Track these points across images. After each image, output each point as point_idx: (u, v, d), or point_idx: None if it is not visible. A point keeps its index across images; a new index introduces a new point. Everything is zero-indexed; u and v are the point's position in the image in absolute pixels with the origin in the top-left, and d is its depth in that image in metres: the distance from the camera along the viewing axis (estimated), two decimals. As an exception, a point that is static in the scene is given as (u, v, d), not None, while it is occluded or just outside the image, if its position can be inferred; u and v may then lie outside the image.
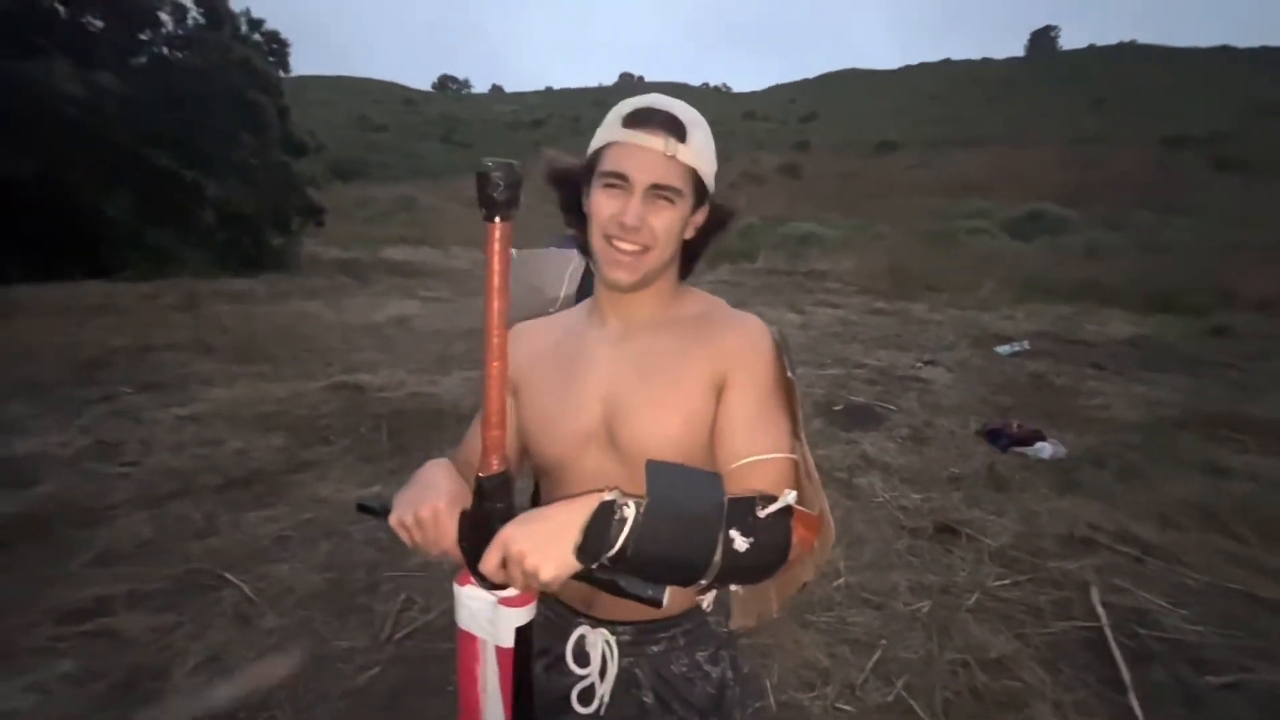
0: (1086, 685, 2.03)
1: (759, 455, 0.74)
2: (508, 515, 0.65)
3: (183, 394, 4.53)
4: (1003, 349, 7.25)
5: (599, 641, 0.86)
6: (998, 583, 2.60)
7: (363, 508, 0.81)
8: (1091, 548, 2.90)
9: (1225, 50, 58.53)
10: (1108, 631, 2.26)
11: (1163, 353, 7.65)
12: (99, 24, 11.46)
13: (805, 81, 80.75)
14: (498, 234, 0.57)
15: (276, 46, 15.59)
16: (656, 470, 0.64)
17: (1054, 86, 52.56)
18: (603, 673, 0.86)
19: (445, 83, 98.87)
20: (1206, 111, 35.12)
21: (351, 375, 4.96)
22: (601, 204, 0.77)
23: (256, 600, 2.36)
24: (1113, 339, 8.45)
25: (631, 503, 0.61)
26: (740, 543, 0.62)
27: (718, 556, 0.62)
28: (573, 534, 0.61)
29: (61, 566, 2.50)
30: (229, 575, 2.49)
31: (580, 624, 0.88)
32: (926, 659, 2.11)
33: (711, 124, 0.85)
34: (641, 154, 0.75)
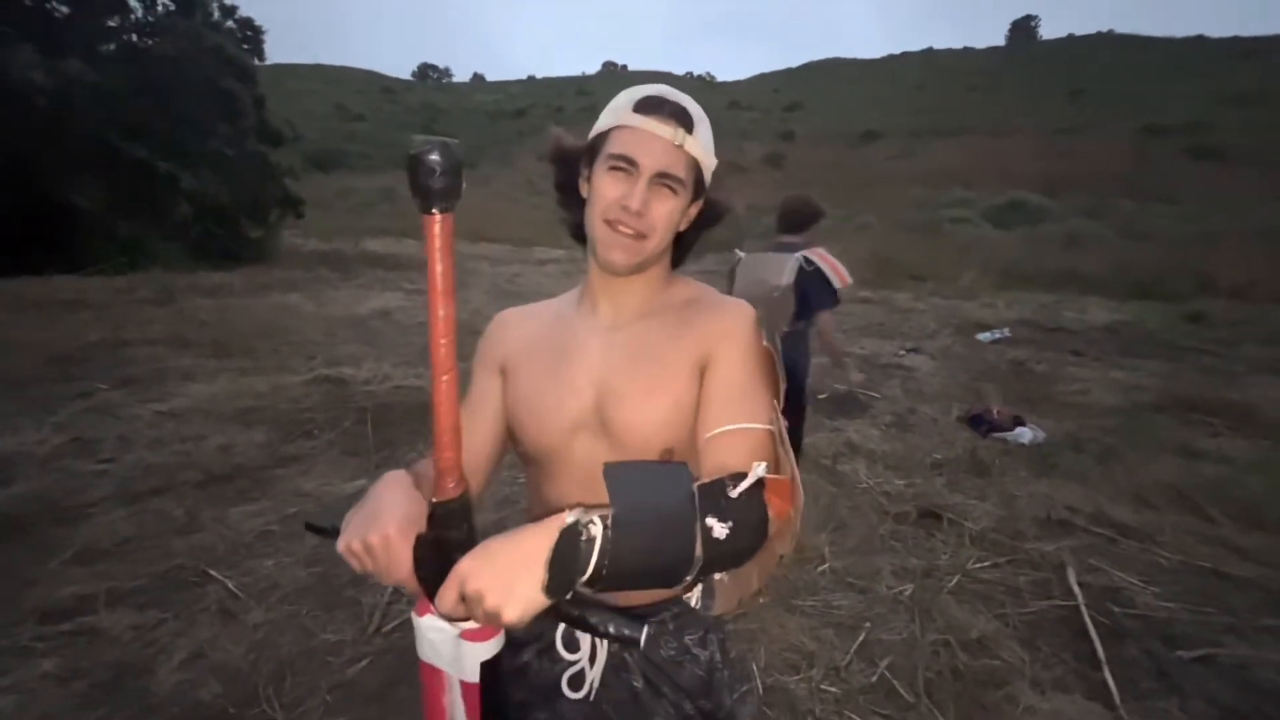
0: (1063, 662, 2.08)
1: (734, 425, 0.74)
2: (468, 543, 0.58)
3: (160, 389, 4.45)
4: (984, 336, 7.36)
5: None
6: (978, 565, 2.65)
7: (312, 528, 0.73)
8: (1069, 529, 2.97)
9: (1200, 40, 59.40)
10: (1084, 610, 2.32)
11: (1140, 339, 7.81)
12: (65, 10, 11.10)
13: (789, 71, 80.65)
14: (438, 228, 0.49)
15: (250, 34, 15.22)
16: (615, 475, 0.59)
17: (1034, 76, 53.02)
18: (592, 658, 0.87)
19: (426, 72, 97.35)
20: (1182, 101, 35.66)
21: (334, 369, 4.90)
22: (606, 186, 0.77)
23: (241, 595, 2.34)
24: (1092, 326, 8.61)
25: (596, 518, 0.56)
26: (719, 530, 0.60)
27: (698, 550, 0.59)
28: (537, 569, 0.54)
29: (40, 566, 2.46)
30: (213, 571, 2.46)
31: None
32: (909, 640, 2.15)
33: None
34: (651, 140, 0.76)
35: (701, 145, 0.78)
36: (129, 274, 8.71)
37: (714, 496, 0.62)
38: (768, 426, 0.75)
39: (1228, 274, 11.99)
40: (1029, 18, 77.35)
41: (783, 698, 1.93)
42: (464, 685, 0.63)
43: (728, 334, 0.80)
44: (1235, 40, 56.42)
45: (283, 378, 4.73)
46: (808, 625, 2.26)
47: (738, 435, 0.74)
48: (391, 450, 3.65)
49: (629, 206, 0.75)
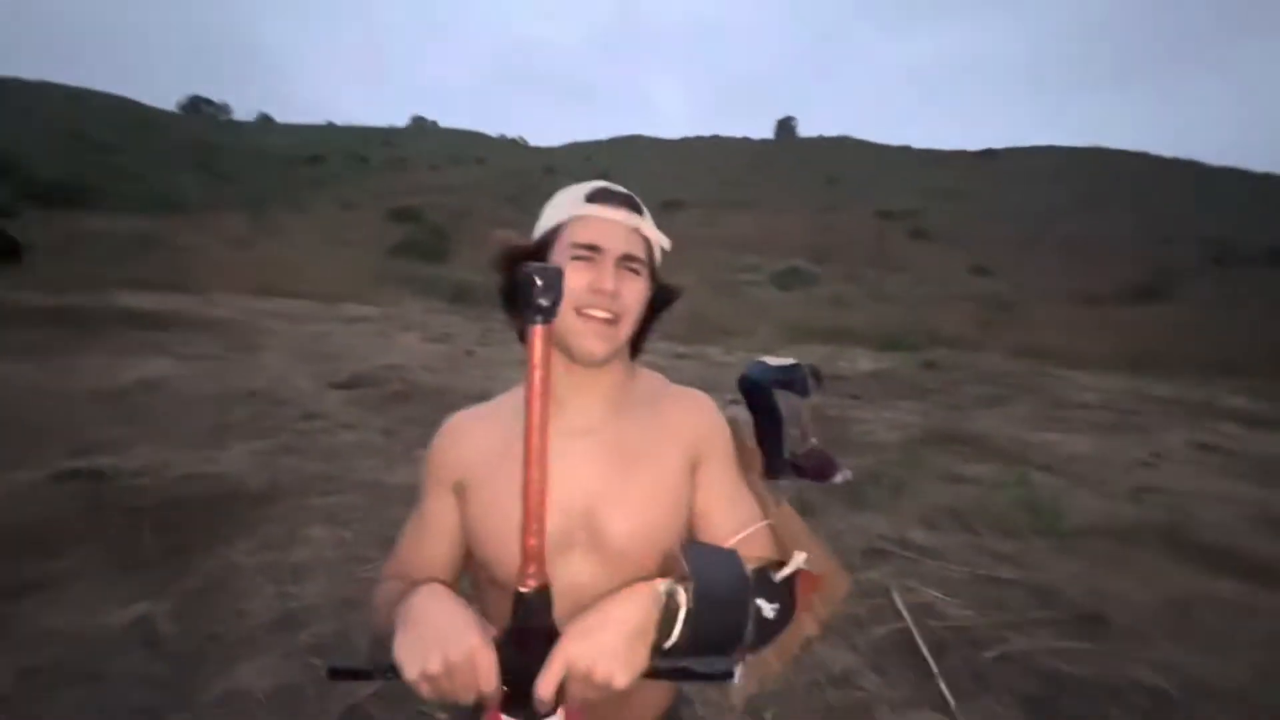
0: (907, 680, 2.39)
1: (745, 529, 0.80)
2: (554, 632, 0.60)
3: None
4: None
5: None
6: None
7: (339, 672, 0.63)
8: (885, 556, 3.45)
9: (906, 149, 76.85)
10: (913, 630, 2.69)
11: (897, 382, 9.51)
12: None
13: (599, 142, 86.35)
14: (539, 340, 0.59)
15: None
16: (697, 552, 0.68)
17: (797, 165, 63.60)
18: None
19: (198, 104, 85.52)
20: (899, 194, 45.47)
21: (88, 459, 3.89)
22: (572, 276, 0.74)
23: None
24: (861, 373, 10.27)
25: (680, 590, 0.63)
26: (768, 610, 0.67)
27: (750, 627, 0.66)
28: (642, 633, 0.61)
29: None
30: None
31: None
32: (787, 688, 2.30)
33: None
34: (611, 225, 0.77)
35: (652, 228, 0.81)
36: None
37: (764, 581, 0.69)
38: (768, 521, 0.82)
39: (945, 329, 15.33)
40: (789, 118, 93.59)
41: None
42: None
43: (711, 435, 0.85)
44: (929, 152, 73.97)
45: (9, 477, 3.63)
46: (694, 689, 2.29)
47: (754, 537, 0.80)
48: (184, 558, 2.97)
49: (603, 288, 0.74)
